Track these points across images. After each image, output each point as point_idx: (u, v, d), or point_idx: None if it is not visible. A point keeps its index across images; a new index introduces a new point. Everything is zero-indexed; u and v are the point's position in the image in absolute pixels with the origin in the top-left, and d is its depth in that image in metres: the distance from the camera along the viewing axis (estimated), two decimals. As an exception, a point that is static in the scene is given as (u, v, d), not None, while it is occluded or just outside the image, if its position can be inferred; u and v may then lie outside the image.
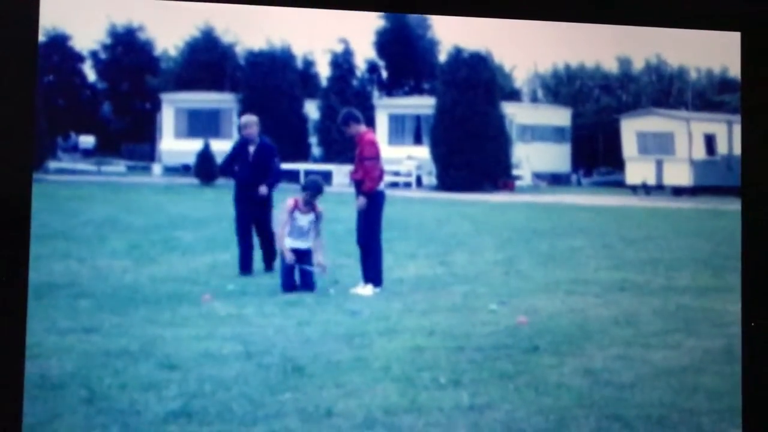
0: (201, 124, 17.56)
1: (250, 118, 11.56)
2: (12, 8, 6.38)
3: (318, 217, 10.55)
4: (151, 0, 9.40)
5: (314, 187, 10.68)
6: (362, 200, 10.42)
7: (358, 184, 10.49)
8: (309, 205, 10.55)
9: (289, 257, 10.29)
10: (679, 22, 7.22)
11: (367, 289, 10.13)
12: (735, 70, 7.22)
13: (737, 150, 7.26)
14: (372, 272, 10.29)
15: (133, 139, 17.96)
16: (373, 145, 10.62)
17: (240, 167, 11.26)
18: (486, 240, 12.78)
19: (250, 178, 11.18)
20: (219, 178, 15.93)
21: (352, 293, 9.98)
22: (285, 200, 10.62)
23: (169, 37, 17.35)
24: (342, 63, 18.05)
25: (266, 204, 11.16)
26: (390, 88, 18.76)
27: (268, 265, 10.95)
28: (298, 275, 10.29)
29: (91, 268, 10.49)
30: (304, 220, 10.50)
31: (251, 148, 11.25)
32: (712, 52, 7.24)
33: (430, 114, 17.66)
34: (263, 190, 11.10)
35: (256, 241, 11.01)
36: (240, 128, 11.61)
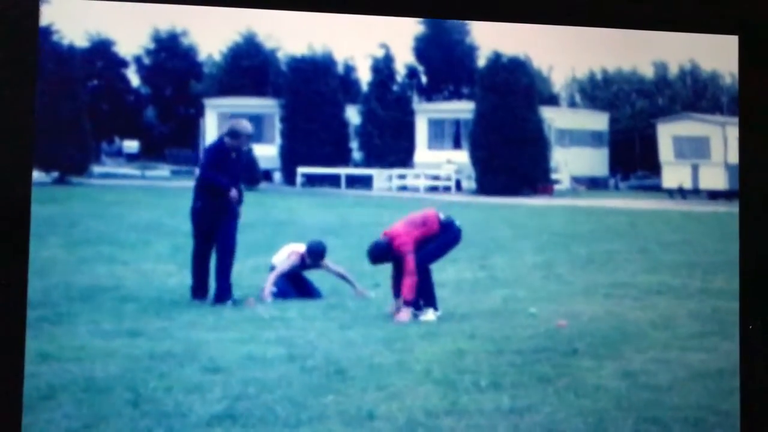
0: (243, 129, 17.64)
1: (249, 127, 10.19)
2: (11, 11, 6.51)
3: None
4: (194, 6, 9.41)
5: (320, 254, 10.21)
6: None
7: None
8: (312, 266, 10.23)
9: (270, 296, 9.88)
10: (677, 26, 7.30)
11: None
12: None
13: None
14: None
15: (176, 143, 18.05)
16: None
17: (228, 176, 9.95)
18: (525, 244, 12.78)
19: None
20: (261, 182, 16.04)
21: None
22: (287, 250, 10.25)
23: (212, 43, 17.46)
24: (382, 68, 18.08)
25: (232, 214, 9.98)
26: (429, 93, 18.78)
27: (226, 295, 9.72)
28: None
29: (136, 272, 10.57)
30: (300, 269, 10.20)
31: (233, 155, 9.96)
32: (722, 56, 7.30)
33: (470, 118, 17.69)
34: (234, 194, 9.91)
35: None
36: (233, 135, 9.96)
